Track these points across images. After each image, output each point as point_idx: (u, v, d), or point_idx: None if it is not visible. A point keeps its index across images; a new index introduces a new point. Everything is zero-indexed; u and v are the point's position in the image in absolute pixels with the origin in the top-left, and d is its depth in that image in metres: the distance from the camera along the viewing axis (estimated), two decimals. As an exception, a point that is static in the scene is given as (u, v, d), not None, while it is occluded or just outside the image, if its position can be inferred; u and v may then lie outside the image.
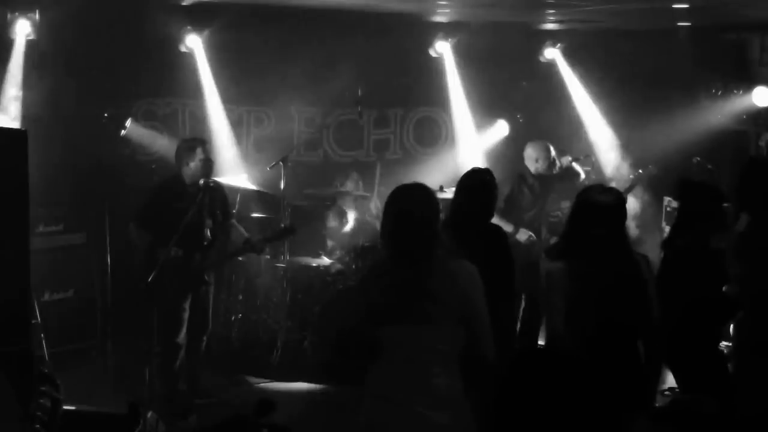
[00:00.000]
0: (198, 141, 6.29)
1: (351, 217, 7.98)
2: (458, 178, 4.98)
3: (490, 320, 3.51)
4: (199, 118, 8.19)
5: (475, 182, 4.83)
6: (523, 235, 7.03)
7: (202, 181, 5.96)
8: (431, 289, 3.43)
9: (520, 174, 7.10)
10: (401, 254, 3.50)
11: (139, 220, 6.11)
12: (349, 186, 7.86)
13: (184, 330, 6.10)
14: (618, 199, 3.96)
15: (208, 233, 6.10)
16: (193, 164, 6.08)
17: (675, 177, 7.30)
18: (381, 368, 3.49)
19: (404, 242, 3.50)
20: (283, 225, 6.10)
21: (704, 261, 4.52)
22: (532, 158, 7.07)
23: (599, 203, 3.89)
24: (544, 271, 4.09)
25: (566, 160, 7.21)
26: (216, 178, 6.30)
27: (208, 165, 6.14)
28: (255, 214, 7.61)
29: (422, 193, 3.62)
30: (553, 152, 7.07)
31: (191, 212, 5.70)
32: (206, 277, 5.38)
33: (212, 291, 6.35)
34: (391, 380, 3.45)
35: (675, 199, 5.11)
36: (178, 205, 5.93)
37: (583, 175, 7.30)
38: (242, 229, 6.36)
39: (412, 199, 3.58)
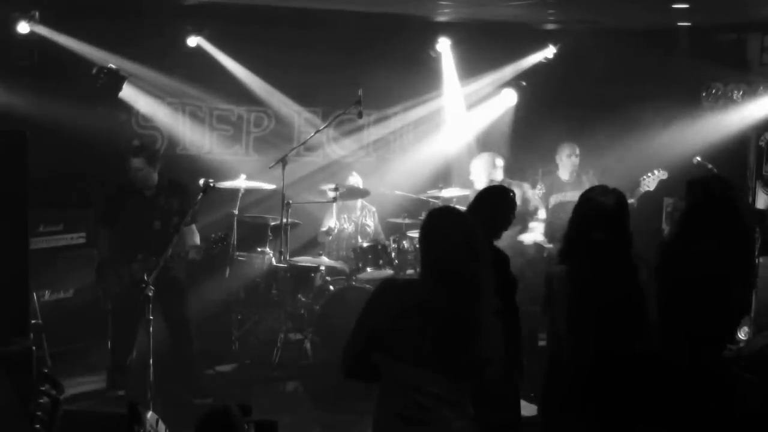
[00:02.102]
0: (132, 150, 6.29)
1: (351, 217, 7.98)
2: (457, 177, 4.96)
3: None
4: (200, 118, 8.21)
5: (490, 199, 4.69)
6: (528, 238, 7.15)
7: (202, 181, 5.98)
8: (471, 346, 2.99)
9: None
10: (447, 301, 3.00)
11: (102, 222, 6.34)
12: (350, 184, 7.85)
13: (133, 330, 6.14)
14: (619, 200, 3.95)
15: (155, 235, 6.09)
16: (131, 174, 6.17)
17: (675, 177, 7.33)
18: (389, 396, 3.15)
19: (449, 295, 3.00)
20: (219, 233, 6.14)
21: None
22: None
23: (600, 205, 3.88)
24: (547, 274, 4.05)
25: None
26: (216, 183, 6.32)
27: (145, 175, 6.17)
28: (255, 214, 7.62)
29: (443, 219, 3.12)
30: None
31: (139, 213, 5.97)
32: (146, 278, 5.34)
33: (183, 289, 6.35)
34: (401, 412, 3.09)
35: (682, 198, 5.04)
36: (128, 206, 6.14)
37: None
38: (197, 235, 6.33)
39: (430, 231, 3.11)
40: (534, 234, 7.18)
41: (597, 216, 3.85)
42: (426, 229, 3.11)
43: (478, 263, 3.01)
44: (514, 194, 4.79)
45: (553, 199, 7.60)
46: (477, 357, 2.98)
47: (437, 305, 2.99)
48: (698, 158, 7.37)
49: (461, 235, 3.02)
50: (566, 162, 7.57)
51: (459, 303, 2.97)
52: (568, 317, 3.82)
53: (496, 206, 4.60)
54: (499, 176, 6.94)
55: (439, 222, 3.11)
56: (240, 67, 7.97)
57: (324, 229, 7.81)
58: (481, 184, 6.83)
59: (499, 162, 7.06)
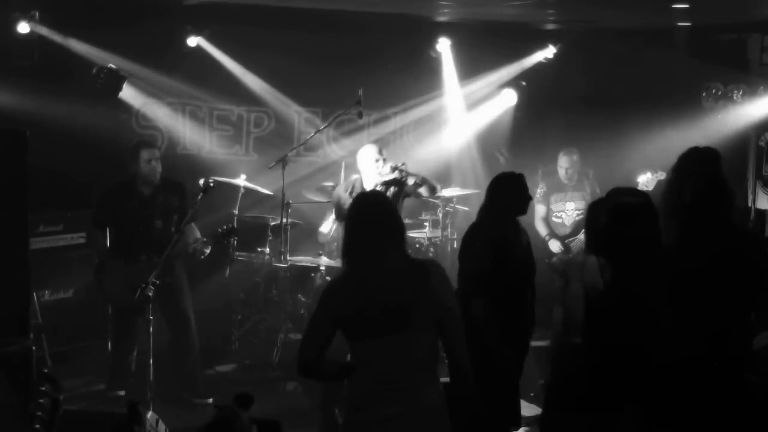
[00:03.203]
0: (142, 143, 6.40)
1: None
2: (458, 177, 5.00)
3: (463, 326, 3.48)
4: (200, 118, 8.21)
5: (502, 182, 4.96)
6: (554, 246, 7.37)
7: (202, 181, 5.99)
8: (399, 293, 3.36)
9: None
10: (358, 263, 3.45)
11: (95, 223, 6.36)
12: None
13: (134, 330, 6.11)
14: (647, 199, 3.99)
15: (158, 234, 6.10)
16: (140, 167, 6.17)
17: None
18: (359, 382, 3.44)
19: (358, 250, 3.47)
20: (225, 227, 6.12)
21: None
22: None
23: (631, 203, 3.90)
24: (568, 264, 4.08)
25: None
26: (215, 178, 6.32)
27: (154, 166, 6.21)
28: (255, 214, 7.62)
29: (373, 198, 3.76)
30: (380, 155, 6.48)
31: (139, 213, 5.96)
32: (152, 277, 5.33)
33: (184, 289, 6.35)
34: (370, 394, 3.39)
35: None
36: (128, 206, 6.13)
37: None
38: (197, 232, 6.33)
39: (360, 208, 3.58)
40: (558, 243, 7.46)
41: (629, 213, 3.86)
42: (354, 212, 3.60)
43: (382, 216, 3.50)
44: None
45: (554, 199, 7.63)
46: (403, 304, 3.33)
47: (359, 272, 3.43)
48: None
49: (373, 199, 3.73)
50: (564, 170, 7.61)
51: (369, 251, 3.43)
52: (589, 308, 3.81)
53: (510, 191, 4.92)
54: (386, 169, 6.38)
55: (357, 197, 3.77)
56: (240, 67, 7.97)
57: (322, 230, 7.81)
58: (368, 177, 6.42)
59: (383, 153, 6.53)
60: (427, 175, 6.49)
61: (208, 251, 6.15)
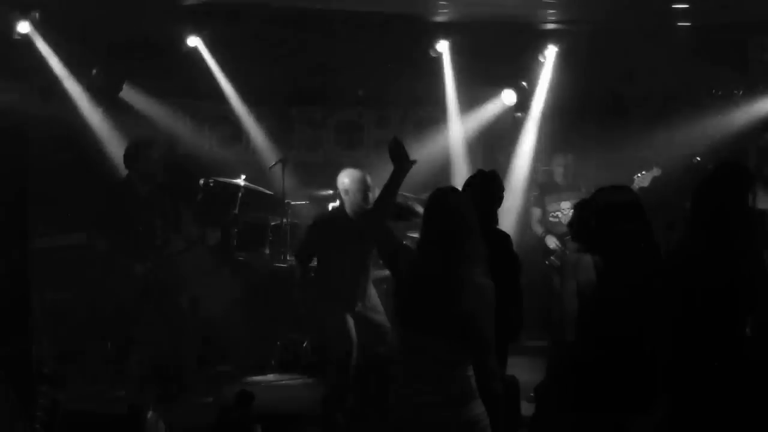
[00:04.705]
0: (143, 142, 6.40)
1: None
2: (458, 178, 4.99)
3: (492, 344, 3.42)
4: (200, 118, 8.21)
5: (476, 185, 4.82)
6: (551, 242, 7.30)
7: (202, 181, 6.00)
8: (439, 301, 3.38)
9: None
10: (423, 263, 3.51)
11: (96, 222, 6.32)
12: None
13: (134, 330, 6.14)
14: (635, 194, 4.02)
15: (159, 233, 6.10)
16: (141, 166, 6.15)
17: (675, 178, 7.33)
18: (401, 369, 3.55)
19: (424, 252, 3.52)
20: (230, 214, 6.13)
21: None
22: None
23: (622, 198, 3.92)
24: (563, 264, 4.09)
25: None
26: (215, 178, 6.33)
27: (155, 166, 6.21)
28: (255, 214, 7.61)
29: (442, 198, 3.62)
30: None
31: (140, 212, 5.96)
32: (149, 277, 5.35)
33: (184, 288, 6.37)
34: (409, 381, 3.47)
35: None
36: (127, 207, 6.14)
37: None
38: (194, 229, 6.35)
39: (431, 207, 3.59)
40: (554, 239, 7.39)
41: (618, 210, 3.88)
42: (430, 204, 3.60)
43: (470, 233, 3.47)
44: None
45: (548, 200, 7.65)
46: (461, 312, 3.32)
47: (430, 270, 3.43)
48: (698, 158, 7.37)
49: (458, 209, 3.54)
50: (560, 170, 7.64)
51: (449, 266, 3.41)
52: (583, 305, 3.82)
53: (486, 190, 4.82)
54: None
55: (441, 199, 3.62)
56: (239, 67, 7.97)
57: None
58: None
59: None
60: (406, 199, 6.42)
61: (213, 243, 6.18)
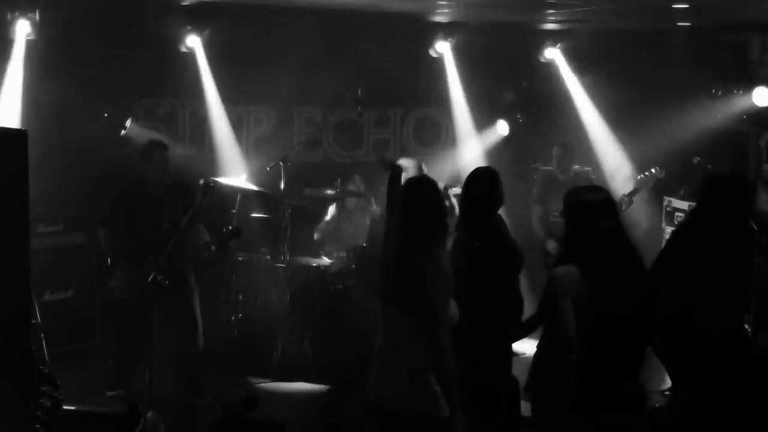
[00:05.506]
0: (153, 144, 6.39)
1: (351, 217, 7.97)
2: (458, 177, 4.99)
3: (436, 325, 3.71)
4: (200, 118, 8.21)
5: (478, 177, 4.87)
6: (550, 246, 7.34)
7: (202, 181, 6.00)
8: (405, 281, 3.73)
9: None
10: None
11: (105, 226, 6.31)
12: (351, 188, 7.83)
13: (134, 330, 6.04)
14: (607, 194, 4.02)
15: (165, 236, 6.08)
16: (152, 168, 6.16)
17: (675, 177, 7.33)
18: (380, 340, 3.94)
19: (401, 234, 3.91)
20: (230, 228, 6.12)
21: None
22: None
23: (595, 197, 3.91)
24: (551, 277, 4.06)
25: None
26: (215, 178, 6.32)
27: (165, 168, 6.22)
28: (255, 215, 7.62)
29: (414, 186, 4.05)
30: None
31: (149, 214, 5.96)
32: (159, 278, 5.32)
33: (193, 290, 6.35)
34: (383, 352, 3.89)
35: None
36: (137, 209, 6.14)
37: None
38: (206, 234, 6.32)
39: (405, 194, 4.02)
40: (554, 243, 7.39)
41: (597, 206, 3.88)
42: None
43: (437, 220, 3.89)
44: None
45: (551, 198, 7.63)
46: (421, 292, 3.67)
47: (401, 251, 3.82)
48: (698, 158, 7.37)
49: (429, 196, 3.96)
50: (557, 161, 7.62)
51: (415, 249, 3.76)
52: (579, 315, 3.81)
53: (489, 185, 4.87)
54: None
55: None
56: (239, 66, 7.96)
57: (320, 227, 7.81)
58: None
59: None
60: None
61: (213, 253, 6.17)
